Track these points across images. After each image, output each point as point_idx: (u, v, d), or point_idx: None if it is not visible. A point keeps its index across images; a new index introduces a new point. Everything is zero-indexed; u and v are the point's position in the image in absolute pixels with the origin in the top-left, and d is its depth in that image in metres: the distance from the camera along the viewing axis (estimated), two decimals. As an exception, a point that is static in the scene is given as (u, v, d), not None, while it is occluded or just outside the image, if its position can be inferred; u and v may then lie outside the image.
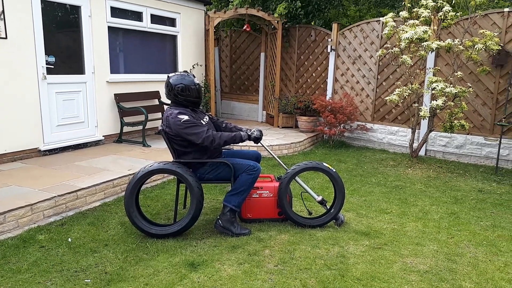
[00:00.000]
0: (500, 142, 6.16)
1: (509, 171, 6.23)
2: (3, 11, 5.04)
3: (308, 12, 9.10)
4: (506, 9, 6.35)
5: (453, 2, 6.06)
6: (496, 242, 3.64)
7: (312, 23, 8.63)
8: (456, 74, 5.95)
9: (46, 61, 5.64)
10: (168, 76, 3.66)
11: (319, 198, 3.94)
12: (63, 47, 5.97)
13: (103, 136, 6.56)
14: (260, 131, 3.89)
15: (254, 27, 9.55)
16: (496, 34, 5.83)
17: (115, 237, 3.58)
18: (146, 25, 7.19)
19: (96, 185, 4.45)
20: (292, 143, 7.28)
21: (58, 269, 3.01)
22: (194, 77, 3.71)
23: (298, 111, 8.47)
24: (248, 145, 6.70)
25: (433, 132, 6.88)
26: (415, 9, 6.17)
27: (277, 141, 7.31)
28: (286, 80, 9.21)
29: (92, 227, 3.77)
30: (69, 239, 3.50)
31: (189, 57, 8.18)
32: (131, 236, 3.59)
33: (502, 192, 5.20)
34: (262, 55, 9.47)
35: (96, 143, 6.47)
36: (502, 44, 6.22)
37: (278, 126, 8.87)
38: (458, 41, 5.88)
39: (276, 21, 8.41)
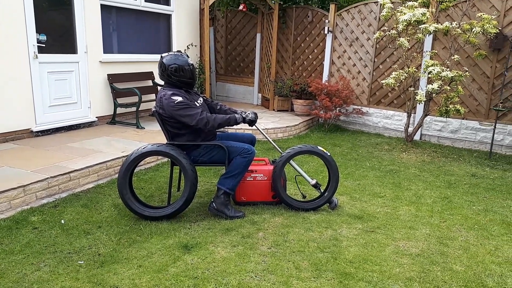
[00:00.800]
0: (495, 127, 6.17)
1: (503, 156, 6.27)
2: (-9, -12, 4.90)
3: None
4: (505, -8, 6.27)
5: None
6: (487, 226, 3.68)
7: (310, 2, 8.49)
8: (453, 57, 5.91)
9: (37, 39, 5.52)
10: (161, 56, 3.59)
11: (313, 182, 3.94)
12: (55, 25, 5.84)
13: (96, 117, 6.49)
14: (255, 114, 3.85)
15: (250, 7, 9.39)
16: (494, 17, 5.77)
17: (109, 219, 3.58)
18: (139, 3, 7.04)
19: (89, 167, 4.42)
20: (287, 126, 7.25)
21: (51, 250, 3.00)
22: (188, 57, 3.64)
23: (294, 94, 8.41)
24: (243, 128, 6.66)
25: (428, 116, 6.88)
26: (414, -9, 6.08)
27: (272, 124, 7.28)
28: (282, 62, 9.12)
29: (85, 209, 3.76)
30: (62, 221, 3.49)
31: (184, 37, 8.05)
32: (124, 218, 3.59)
33: (495, 177, 5.23)
34: (258, 36, 9.34)
35: (89, 124, 6.40)
36: (500, 28, 6.16)
37: (274, 109, 8.82)
38: (456, 24, 5.81)
39: (272, 1, 8.26)
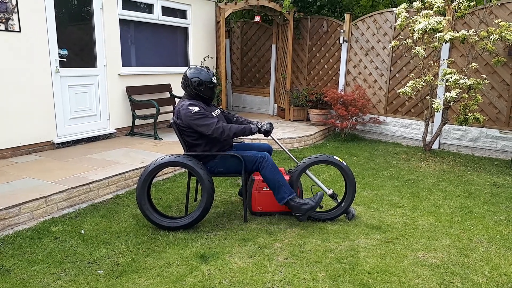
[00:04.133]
0: (515, 135, 6.04)
1: (525, 165, 6.12)
2: (16, 5, 5.09)
3: (322, 5, 8.97)
4: (523, -1, 6.18)
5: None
6: (510, 236, 3.59)
7: (325, 11, 8.49)
8: (471, 65, 5.83)
9: (59, 54, 5.69)
10: (189, 67, 3.73)
11: (330, 192, 3.93)
12: (75, 40, 6.02)
13: (115, 129, 6.62)
14: (270, 124, 3.88)
15: (265, 18, 9.49)
16: (512, 24, 5.69)
17: (127, 229, 3.63)
18: (157, 17, 7.20)
19: (108, 178, 4.50)
20: (303, 136, 7.25)
21: (72, 260, 3.06)
22: (214, 75, 3.74)
23: (309, 104, 8.42)
24: (259, 138, 6.70)
25: (447, 125, 6.78)
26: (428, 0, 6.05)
27: (288, 134, 7.29)
28: (298, 72, 9.15)
29: (105, 219, 3.83)
30: (82, 231, 3.56)
31: (200, 49, 8.18)
32: (142, 229, 3.63)
33: (517, 186, 5.11)
34: (273, 47, 9.41)
35: (108, 136, 6.53)
36: (519, 35, 6.06)
37: (289, 119, 8.84)
38: (473, 32, 5.75)
39: (287, 12, 8.33)
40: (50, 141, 5.68)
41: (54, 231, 3.55)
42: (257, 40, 9.81)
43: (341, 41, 8.09)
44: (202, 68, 3.72)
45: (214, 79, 3.71)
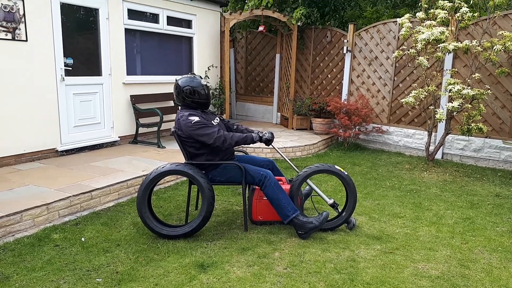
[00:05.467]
0: (519, 145, 6.00)
1: (529, 176, 6.08)
2: (24, 15, 5.18)
3: (324, 14, 9.04)
4: (527, 9, 6.19)
5: (471, 2, 5.94)
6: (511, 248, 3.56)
7: (328, 23, 8.57)
8: (474, 76, 5.83)
9: (65, 63, 5.76)
10: (176, 80, 3.72)
11: (331, 201, 3.92)
12: (81, 49, 6.10)
13: (118, 137, 6.67)
14: (272, 134, 3.89)
15: (269, 28, 9.55)
16: (515, 35, 5.69)
17: (127, 237, 3.64)
18: (162, 27, 7.28)
19: (110, 186, 4.52)
20: (306, 145, 7.25)
21: (71, 268, 3.08)
22: (202, 78, 3.76)
23: (312, 113, 8.43)
24: (261, 147, 6.71)
25: (450, 135, 6.76)
26: (432, 10, 6.07)
27: (291, 143, 7.29)
28: (301, 81, 9.19)
29: (105, 227, 3.84)
30: (83, 239, 3.57)
31: (205, 58, 8.24)
32: (143, 237, 3.64)
33: (521, 197, 5.07)
34: (277, 56, 9.46)
35: (112, 144, 6.57)
36: (522, 45, 6.05)
37: (293, 128, 8.85)
38: (476, 42, 5.76)
39: (292, 22, 8.39)
40: (54, 148, 5.73)
41: (54, 238, 3.57)
42: (261, 49, 9.87)
43: (344, 51, 8.12)
44: (190, 75, 3.73)
45: (203, 82, 3.73)
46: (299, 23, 8.36)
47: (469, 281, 2.98)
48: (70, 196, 4.09)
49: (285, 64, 9.13)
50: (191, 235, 3.60)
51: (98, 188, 4.39)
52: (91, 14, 6.15)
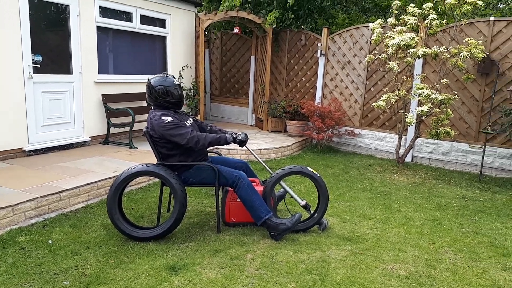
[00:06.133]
0: (484, 149, 6.24)
1: (493, 179, 6.32)
2: (-11, 9, 4.99)
3: (299, 17, 9.13)
4: (491, 18, 6.45)
5: (439, 9, 6.13)
6: (476, 248, 3.69)
7: (302, 27, 8.66)
8: (442, 81, 6.02)
9: (33, 60, 5.59)
10: (148, 79, 3.67)
11: (303, 203, 3.96)
12: (50, 46, 5.93)
13: (89, 137, 6.51)
14: (246, 135, 3.90)
15: (244, 30, 9.57)
16: (481, 42, 5.91)
17: (97, 239, 3.56)
18: (135, 25, 7.17)
19: (80, 187, 4.41)
20: (280, 147, 7.29)
21: (37, 271, 2.98)
22: (174, 78, 3.72)
23: (287, 115, 8.50)
24: (236, 149, 6.71)
25: (420, 138, 6.95)
26: (402, 16, 6.24)
27: (266, 145, 7.32)
28: (276, 83, 9.24)
29: (74, 229, 3.74)
30: (50, 241, 3.47)
31: (179, 58, 8.17)
32: (113, 239, 3.57)
33: (485, 199, 5.27)
34: (253, 58, 9.48)
35: (82, 144, 6.42)
36: (487, 52, 6.31)
37: (268, 130, 8.89)
38: (444, 49, 5.95)
39: (266, 25, 8.43)
40: (21, 148, 5.54)
41: (20, 241, 3.45)
42: (237, 51, 9.87)
43: (318, 55, 8.23)
44: (162, 75, 3.69)
45: (176, 81, 3.69)
46: (273, 26, 8.41)
47: (435, 281, 3.07)
48: (37, 197, 3.96)
49: (260, 66, 9.16)
50: (162, 237, 3.56)
51: (67, 189, 4.27)
52: (62, 11, 5.99)
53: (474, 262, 3.41)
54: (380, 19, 6.72)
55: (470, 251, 3.63)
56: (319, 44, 8.20)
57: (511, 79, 6.29)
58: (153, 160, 3.95)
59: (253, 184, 3.96)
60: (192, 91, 8.40)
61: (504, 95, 6.36)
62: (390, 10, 6.40)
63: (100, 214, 4.15)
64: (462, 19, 6.05)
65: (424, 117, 6.02)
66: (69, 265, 3.09)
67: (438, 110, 5.86)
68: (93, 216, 4.08)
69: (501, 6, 11.90)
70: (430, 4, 6.06)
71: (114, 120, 6.68)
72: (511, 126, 6.17)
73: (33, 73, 5.60)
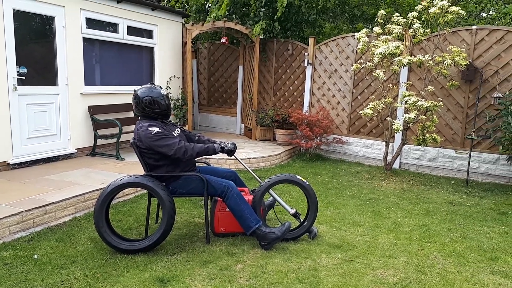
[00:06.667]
0: (470, 155, 6.32)
1: (479, 184, 6.40)
2: (-28, 21, 4.93)
3: (286, 29, 9.21)
4: (474, 27, 6.59)
5: (423, 19, 6.25)
6: (464, 253, 3.72)
7: (290, 37, 8.77)
8: (427, 88, 6.11)
9: (18, 72, 5.52)
10: (135, 90, 3.64)
11: (293, 211, 3.94)
12: (36, 58, 5.87)
13: (76, 149, 6.43)
14: (234, 144, 3.89)
15: (232, 40, 9.62)
16: (464, 50, 6.02)
17: (84, 253, 3.49)
18: (122, 36, 7.15)
19: (66, 200, 4.34)
20: (269, 156, 7.29)
21: (22, 287, 2.91)
22: (162, 88, 3.70)
23: (275, 124, 8.52)
24: (224, 158, 6.69)
25: (406, 145, 7.02)
26: (388, 25, 6.34)
27: (255, 154, 7.32)
28: (264, 93, 9.28)
29: (60, 243, 3.67)
30: (35, 256, 3.39)
31: (166, 69, 8.16)
32: (100, 252, 3.51)
33: (472, 204, 5.32)
34: (240, 68, 9.52)
35: (69, 156, 6.33)
36: (470, 60, 6.43)
37: (256, 139, 8.89)
38: (429, 57, 6.05)
39: (254, 35, 8.49)
40: (5, 161, 5.44)
41: (4, 256, 3.37)
42: (224, 61, 9.90)
43: (305, 64, 8.30)
44: (150, 85, 3.67)
45: (164, 92, 3.67)
46: (260, 36, 8.48)
47: (425, 286, 3.08)
48: (22, 211, 3.88)
49: (248, 75, 9.20)
50: (151, 249, 3.51)
51: (53, 202, 4.20)
52: (47, 22, 5.95)
53: (463, 267, 3.43)
54: (365, 29, 6.82)
55: (459, 255, 3.65)
56: (306, 54, 8.27)
57: (494, 86, 6.41)
58: (141, 171, 3.91)
59: (242, 193, 3.95)
60: (180, 101, 8.38)
61: (487, 101, 6.47)
62: (376, 19, 6.50)
63: (87, 227, 4.08)
64: (445, 28, 6.17)
65: (410, 124, 6.09)
66: (55, 280, 3.02)
67: (424, 117, 5.93)
68: (80, 229, 4.01)
69: (484, 15, 12.19)
70: (414, 14, 6.17)
71: (101, 132, 6.61)
72: (495, 131, 6.28)
73: (18, 85, 5.53)
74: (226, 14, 8.34)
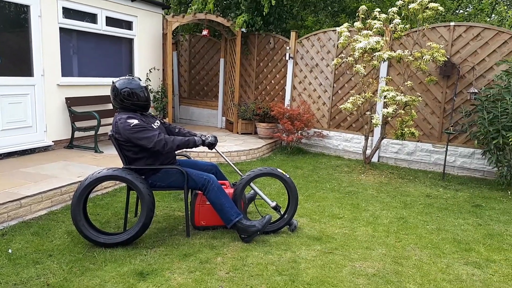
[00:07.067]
0: (446, 149, 6.46)
1: (455, 177, 6.55)
2: None
3: (269, 22, 9.18)
4: (452, 23, 6.70)
5: (403, 14, 6.32)
6: (440, 244, 3.81)
7: (272, 32, 8.75)
8: (406, 83, 6.20)
9: (-9, 62, 5.35)
10: (113, 81, 3.57)
11: (273, 204, 3.96)
12: (10, 47, 5.69)
13: (52, 141, 6.29)
14: (215, 137, 3.87)
15: (213, 33, 9.54)
16: (442, 46, 6.13)
17: (61, 247, 3.43)
18: (101, 27, 6.99)
19: (42, 193, 4.25)
20: (250, 149, 7.29)
21: (-5, 282, 2.84)
22: (140, 80, 3.64)
23: (257, 118, 8.52)
24: (205, 151, 6.65)
25: (385, 139, 7.12)
26: (369, 20, 6.39)
27: (236, 147, 7.30)
28: (246, 86, 9.25)
29: (36, 237, 3.59)
30: (10, 250, 3.31)
31: (146, 61, 8.04)
32: (78, 246, 3.45)
33: (448, 197, 5.45)
34: (222, 60, 9.46)
35: (45, 148, 6.19)
36: (448, 56, 6.55)
37: (238, 132, 8.87)
38: (408, 52, 6.13)
39: (235, 28, 8.43)
40: (-22, 154, 5.29)
41: (-23, 251, 3.28)
42: (205, 53, 9.82)
43: (287, 58, 8.30)
44: (128, 77, 3.60)
45: (142, 84, 3.61)
46: (242, 29, 8.43)
47: (402, 277, 3.14)
48: (-5, 205, 3.78)
49: (230, 68, 9.15)
50: (130, 242, 3.47)
51: (28, 196, 4.10)
52: (22, 11, 5.77)
53: (439, 258, 3.51)
54: (347, 23, 6.85)
55: (434, 247, 3.74)
56: (288, 48, 8.27)
57: (470, 82, 6.55)
58: (120, 164, 3.86)
59: (223, 186, 3.94)
60: (160, 93, 8.28)
61: (464, 96, 6.62)
62: (357, 14, 6.54)
63: (64, 220, 4.00)
64: (424, 24, 6.26)
65: (389, 119, 6.18)
66: (31, 274, 2.96)
67: (403, 111, 6.02)
68: (57, 223, 3.93)
69: (460, 12, 12.42)
70: (395, 9, 6.24)
71: (78, 124, 6.48)
72: (471, 126, 6.43)
73: (-9, 75, 5.36)
74: (215, 9, 8.26)
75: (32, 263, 3.13)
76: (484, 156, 6.34)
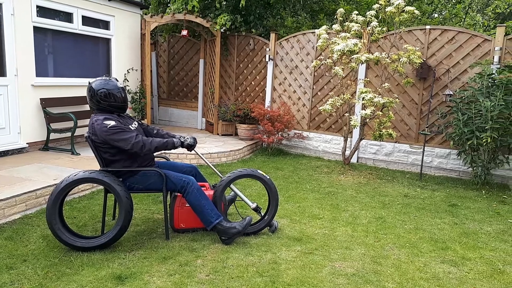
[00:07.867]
0: (423, 150, 6.60)
1: (432, 177, 6.69)
2: None
3: (249, 22, 9.18)
4: (427, 27, 6.85)
5: (380, 17, 6.42)
6: (417, 243, 3.87)
7: (253, 31, 8.75)
8: (384, 85, 6.30)
9: (-39, 61, 5.17)
10: (89, 82, 3.50)
11: (254, 205, 3.96)
12: (-19, 46, 5.52)
13: (27, 143, 6.12)
14: (194, 139, 3.84)
15: (193, 33, 9.48)
16: (418, 49, 6.25)
17: (36, 251, 3.34)
18: (77, 26, 6.85)
19: (16, 196, 4.12)
20: (231, 150, 7.27)
21: (-34, 289, 2.74)
22: (118, 81, 3.58)
23: (237, 119, 8.50)
24: (185, 153, 6.60)
25: (364, 140, 7.21)
26: (347, 23, 6.46)
27: (216, 148, 7.27)
28: (226, 87, 9.22)
29: (10, 242, 3.49)
30: (-19, 256, 3.20)
31: (124, 61, 7.92)
32: (53, 250, 3.36)
33: (425, 196, 5.56)
34: (201, 61, 9.41)
35: (19, 151, 6.01)
36: (424, 59, 6.69)
37: (218, 134, 8.84)
38: (386, 54, 6.24)
39: (215, 29, 8.40)
40: None
41: None
42: (185, 54, 9.75)
43: (267, 59, 8.32)
44: (105, 78, 3.54)
45: (120, 84, 3.55)
46: (222, 29, 8.40)
47: (381, 277, 3.18)
48: (-34, 209, 3.65)
49: (209, 69, 9.10)
50: (107, 246, 3.40)
51: (1, 199, 3.96)
52: (-6, 9, 5.60)
53: (416, 257, 3.57)
54: (325, 25, 6.92)
55: (412, 246, 3.81)
56: (268, 49, 8.29)
57: (446, 84, 6.71)
58: (97, 166, 3.78)
59: (202, 188, 3.91)
60: (138, 94, 8.16)
61: (440, 98, 6.77)
62: (335, 17, 6.61)
63: (39, 224, 3.90)
64: (401, 27, 6.38)
65: (367, 120, 6.26)
66: (4, 280, 2.87)
67: (380, 113, 6.12)
68: (31, 227, 3.82)
69: (436, 15, 12.72)
70: (372, 12, 6.34)
71: (54, 125, 6.32)
72: (447, 127, 6.58)
73: (-38, 75, 5.18)
74: (198, 9, 8.17)
75: (6, 268, 3.03)
76: (459, 157, 6.50)
